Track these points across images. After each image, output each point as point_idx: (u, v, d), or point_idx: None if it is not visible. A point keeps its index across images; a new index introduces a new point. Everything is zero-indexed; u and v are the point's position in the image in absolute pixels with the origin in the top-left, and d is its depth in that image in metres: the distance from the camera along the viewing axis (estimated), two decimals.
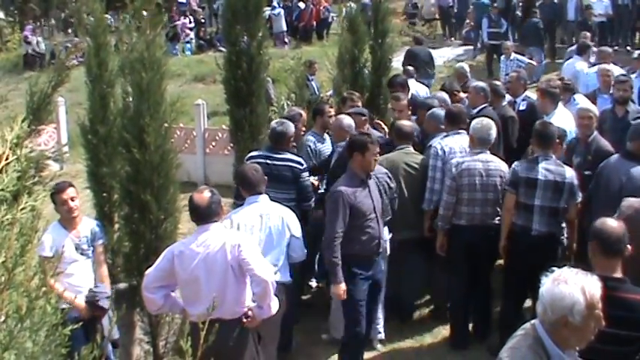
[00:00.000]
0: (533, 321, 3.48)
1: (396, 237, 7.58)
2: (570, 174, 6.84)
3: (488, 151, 7.32)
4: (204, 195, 5.33)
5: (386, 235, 7.26)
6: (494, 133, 7.33)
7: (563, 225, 7.03)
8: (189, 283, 5.28)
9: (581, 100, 9.58)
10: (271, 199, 6.98)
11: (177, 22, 26.06)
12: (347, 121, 7.86)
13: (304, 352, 7.52)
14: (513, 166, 7.07)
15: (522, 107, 9.57)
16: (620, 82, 8.96)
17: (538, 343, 3.38)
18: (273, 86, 15.43)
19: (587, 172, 7.32)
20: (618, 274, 4.30)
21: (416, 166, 7.69)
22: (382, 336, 7.56)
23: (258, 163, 7.27)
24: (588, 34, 16.04)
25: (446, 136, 7.84)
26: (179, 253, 5.29)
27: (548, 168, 6.80)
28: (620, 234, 4.39)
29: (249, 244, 5.34)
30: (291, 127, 7.58)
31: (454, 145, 7.64)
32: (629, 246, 4.41)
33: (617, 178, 6.62)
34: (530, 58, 18.36)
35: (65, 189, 6.28)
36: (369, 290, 6.74)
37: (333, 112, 8.63)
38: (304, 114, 8.35)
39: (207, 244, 5.23)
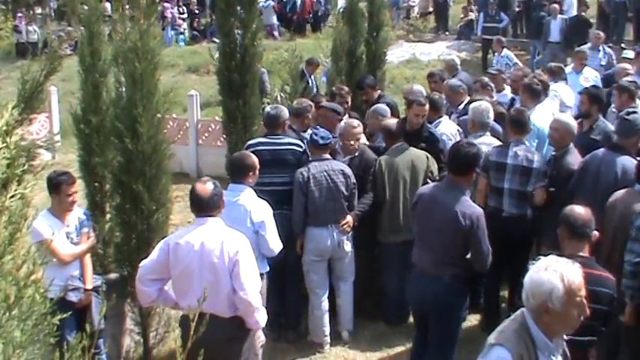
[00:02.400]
0: (523, 308, 3.56)
1: (394, 239, 7.59)
2: (539, 160, 7.18)
3: (488, 134, 7.68)
4: (207, 187, 5.23)
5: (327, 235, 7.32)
6: (491, 115, 7.71)
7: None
8: (182, 275, 5.19)
9: (561, 91, 9.46)
10: (276, 184, 7.14)
11: (166, 11, 26.00)
12: (356, 124, 7.82)
13: (290, 354, 7.48)
14: (486, 151, 7.27)
15: (518, 104, 9.53)
16: (580, 93, 8.60)
17: (524, 329, 3.49)
18: (269, 77, 15.40)
19: (551, 189, 7.21)
20: (584, 254, 4.73)
21: (421, 166, 7.63)
22: (350, 328, 7.58)
23: (259, 150, 7.29)
24: (602, 33, 16.00)
25: (439, 124, 8.28)
26: (175, 245, 5.19)
27: (518, 153, 7.13)
28: (586, 219, 4.80)
29: (247, 256, 5.18)
30: (285, 112, 7.63)
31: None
32: (596, 232, 4.84)
33: (610, 171, 6.58)
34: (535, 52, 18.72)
35: (75, 182, 6.37)
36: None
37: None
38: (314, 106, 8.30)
39: (203, 238, 5.13)
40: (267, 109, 7.82)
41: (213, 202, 5.23)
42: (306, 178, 7.18)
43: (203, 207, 5.23)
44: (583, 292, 3.45)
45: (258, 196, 6.41)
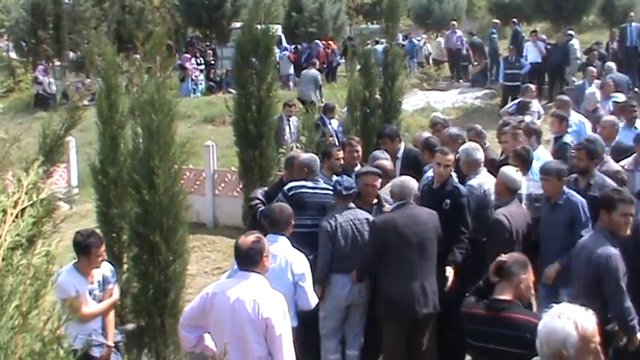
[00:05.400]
0: (536, 357, 3.58)
1: None
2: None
3: (483, 171, 7.92)
4: (247, 239, 5.19)
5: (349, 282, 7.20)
6: (482, 154, 7.94)
7: None
8: (215, 326, 5.15)
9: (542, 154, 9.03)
10: (315, 227, 7.16)
11: (187, 64, 26.40)
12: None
13: None
14: (486, 189, 7.56)
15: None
16: (577, 149, 7.78)
17: None
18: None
19: None
20: (506, 297, 4.75)
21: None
22: None
23: (303, 192, 7.48)
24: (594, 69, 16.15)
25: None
26: (212, 294, 5.15)
27: (529, 184, 7.57)
28: (511, 263, 4.87)
29: (280, 320, 5.06)
30: (317, 159, 7.84)
31: None
32: (523, 276, 4.88)
33: None
34: None
35: (103, 242, 6.34)
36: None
37: (341, 155, 8.39)
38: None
39: (239, 293, 5.04)
40: (305, 156, 7.90)
41: (249, 255, 5.13)
42: (334, 227, 7.14)
43: (240, 259, 5.19)
44: (597, 339, 3.44)
45: (294, 245, 6.37)
